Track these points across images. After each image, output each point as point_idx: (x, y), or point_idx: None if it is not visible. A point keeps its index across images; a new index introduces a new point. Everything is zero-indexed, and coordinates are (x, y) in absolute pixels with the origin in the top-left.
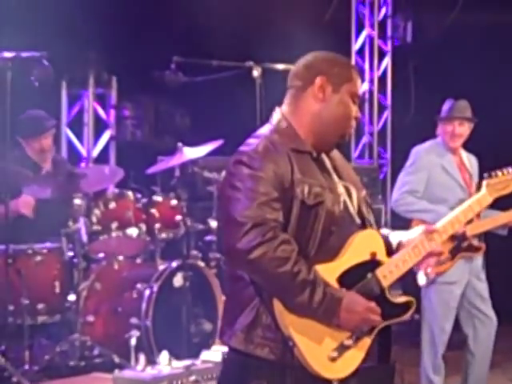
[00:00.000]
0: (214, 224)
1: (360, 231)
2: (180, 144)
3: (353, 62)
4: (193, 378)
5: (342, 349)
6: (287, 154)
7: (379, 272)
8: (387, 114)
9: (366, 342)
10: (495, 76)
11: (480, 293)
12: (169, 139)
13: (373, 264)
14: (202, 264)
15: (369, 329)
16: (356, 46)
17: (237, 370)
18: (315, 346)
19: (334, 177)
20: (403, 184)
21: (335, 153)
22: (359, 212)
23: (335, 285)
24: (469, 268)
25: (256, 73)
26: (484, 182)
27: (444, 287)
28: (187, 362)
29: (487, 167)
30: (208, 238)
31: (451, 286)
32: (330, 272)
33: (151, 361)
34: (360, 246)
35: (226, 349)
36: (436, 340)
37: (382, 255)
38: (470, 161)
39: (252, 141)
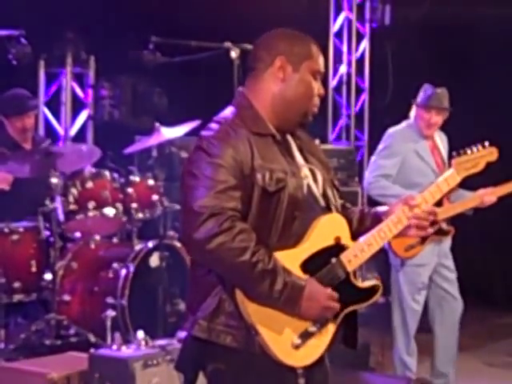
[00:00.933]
0: None
1: (323, 215)
2: (157, 124)
3: (331, 44)
4: (169, 357)
5: (306, 336)
6: (248, 138)
7: (344, 257)
8: (365, 96)
9: (331, 328)
10: (471, 61)
11: (447, 275)
12: (146, 119)
13: (337, 249)
14: (178, 244)
15: (333, 315)
16: (334, 29)
17: (195, 354)
18: (278, 333)
19: (298, 160)
20: (377, 167)
21: (302, 134)
22: (324, 195)
23: (299, 271)
24: (437, 251)
25: (234, 54)
26: (452, 161)
27: (412, 269)
28: (163, 342)
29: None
30: None
31: (419, 268)
32: (293, 259)
33: (127, 340)
34: (324, 231)
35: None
36: (407, 322)
37: (346, 239)
38: (442, 141)
39: (213, 125)
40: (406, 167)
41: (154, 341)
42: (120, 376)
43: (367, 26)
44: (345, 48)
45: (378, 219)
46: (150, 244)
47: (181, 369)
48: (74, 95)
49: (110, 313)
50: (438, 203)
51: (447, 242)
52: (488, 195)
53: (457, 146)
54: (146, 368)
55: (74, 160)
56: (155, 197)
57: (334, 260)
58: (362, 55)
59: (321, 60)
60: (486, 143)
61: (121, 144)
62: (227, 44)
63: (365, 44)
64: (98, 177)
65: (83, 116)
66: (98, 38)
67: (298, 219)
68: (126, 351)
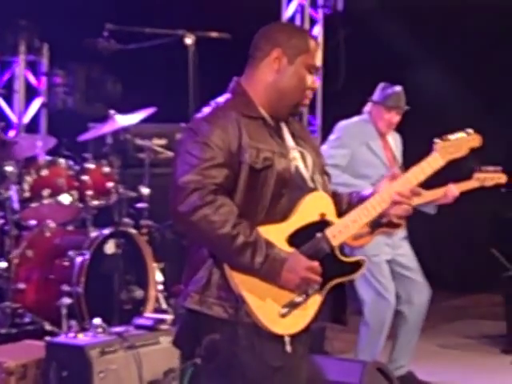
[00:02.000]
0: (145, 191)
1: (309, 193)
2: (112, 111)
3: None
4: (126, 344)
5: (292, 306)
6: (237, 120)
7: (329, 232)
8: (318, 81)
9: (317, 299)
10: (425, 46)
11: (406, 264)
12: (100, 106)
13: (322, 224)
14: (133, 231)
15: (319, 286)
16: (287, 14)
17: (190, 328)
18: (265, 303)
19: (289, 143)
20: (327, 157)
21: (296, 122)
22: (312, 179)
23: (285, 245)
24: (391, 243)
25: (189, 40)
26: (435, 146)
27: (371, 260)
28: (120, 329)
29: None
30: (139, 205)
31: (373, 257)
32: (279, 232)
33: (83, 328)
34: (309, 207)
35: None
36: (380, 310)
37: (331, 216)
38: (396, 140)
39: (205, 109)
40: (356, 159)
41: (111, 328)
42: (77, 364)
43: (320, 11)
44: None
45: (363, 200)
46: (106, 231)
47: (178, 344)
48: (28, 83)
49: (66, 300)
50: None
51: (400, 233)
52: (452, 188)
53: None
54: (103, 355)
55: (29, 148)
56: (110, 184)
57: (319, 234)
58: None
59: (316, 55)
60: (469, 130)
61: (75, 131)
62: (182, 31)
63: (318, 30)
64: (53, 164)
65: (37, 104)
66: (52, 26)
67: (285, 196)
68: (83, 339)
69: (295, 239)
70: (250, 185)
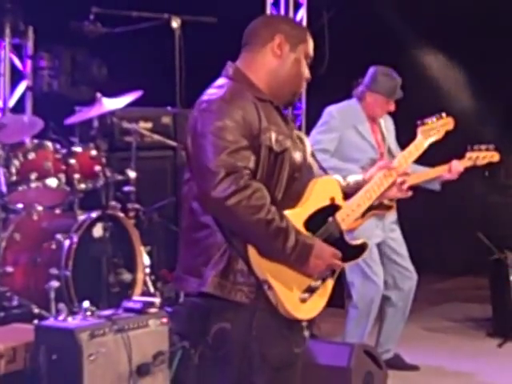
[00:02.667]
0: (132, 174)
1: (319, 177)
2: (99, 95)
3: (268, 13)
4: (115, 327)
5: (311, 290)
6: (253, 101)
7: (338, 216)
8: None
9: (330, 283)
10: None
11: (396, 249)
12: (86, 90)
13: (332, 208)
14: (121, 214)
15: (331, 271)
16: None
17: (198, 314)
18: (288, 288)
19: (292, 125)
20: (316, 142)
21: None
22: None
23: (303, 229)
24: (381, 225)
25: (175, 24)
26: (418, 129)
27: None
28: (109, 312)
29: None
30: (126, 188)
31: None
32: (296, 217)
33: (72, 311)
34: (320, 192)
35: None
36: (368, 293)
37: (339, 200)
38: (387, 122)
39: (214, 90)
40: (345, 143)
41: (100, 311)
42: (66, 347)
43: None
44: None
45: (356, 185)
46: (94, 214)
47: (182, 332)
48: (13, 66)
49: (54, 284)
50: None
51: (390, 216)
52: (455, 165)
53: None
54: (93, 338)
55: (16, 131)
56: (97, 167)
57: (330, 219)
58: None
59: (312, 45)
60: (443, 114)
61: (60, 115)
62: (168, 14)
63: (302, 13)
64: (41, 148)
65: (22, 87)
66: (37, 9)
67: (297, 180)
68: (72, 322)
69: (310, 224)
70: (269, 168)
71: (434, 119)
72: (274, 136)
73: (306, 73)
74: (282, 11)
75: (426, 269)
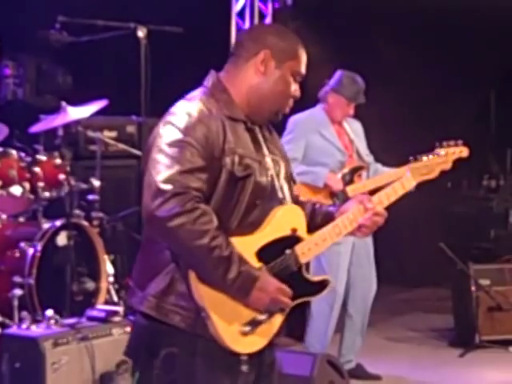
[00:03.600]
0: (96, 183)
1: (283, 206)
2: (64, 103)
3: (233, 24)
4: (79, 335)
5: (255, 324)
6: (221, 120)
7: (298, 249)
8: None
9: (279, 318)
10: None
11: (367, 253)
12: (50, 98)
13: (292, 240)
14: (85, 223)
15: (282, 309)
16: (237, 8)
17: (147, 336)
18: (228, 319)
19: (265, 150)
20: None
21: (265, 127)
22: (281, 187)
23: (254, 259)
24: None
25: (141, 33)
26: (409, 165)
27: (330, 249)
28: (72, 320)
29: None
30: (91, 197)
31: (337, 246)
32: (249, 245)
33: (35, 319)
34: (281, 221)
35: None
36: (331, 303)
37: (302, 232)
38: (352, 126)
39: (184, 103)
40: (312, 149)
41: (63, 320)
42: (30, 355)
43: (269, 5)
44: (247, 26)
45: (329, 217)
46: (58, 223)
47: (132, 356)
48: None
49: (18, 292)
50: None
51: None
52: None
53: None
54: (56, 347)
55: None
56: (62, 176)
57: (288, 251)
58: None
59: (304, 63)
60: (442, 152)
61: (25, 123)
62: (134, 24)
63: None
64: (5, 156)
65: None
66: (2, 17)
67: (258, 207)
68: (36, 330)
69: (264, 253)
70: (228, 192)
71: (430, 156)
72: (237, 159)
73: (294, 90)
74: (248, 21)
75: (388, 279)
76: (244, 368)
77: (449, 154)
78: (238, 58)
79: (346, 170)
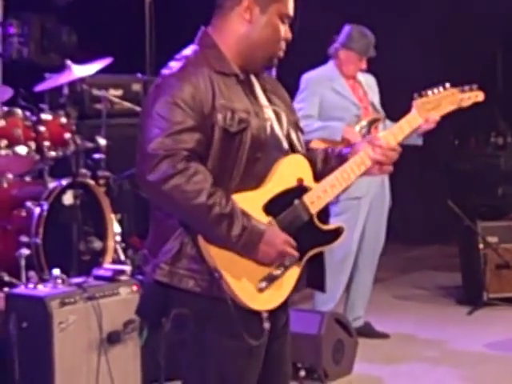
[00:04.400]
0: (102, 142)
1: (285, 157)
2: (68, 62)
3: None
4: (86, 295)
5: (271, 279)
6: (209, 76)
7: (307, 198)
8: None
9: (295, 271)
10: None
11: (382, 210)
12: (55, 57)
13: (300, 190)
14: (91, 182)
15: (293, 261)
16: None
17: (158, 301)
18: (243, 277)
19: (262, 101)
20: (297, 110)
21: (266, 75)
22: (288, 136)
23: (261, 214)
24: (374, 182)
25: None
26: (414, 102)
27: (350, 202)
28: (79, 280)
29: None
30: (97, 156)
31: (357, 201)
32: (255, 200)
33: (42, 279)
34: (286, 172)
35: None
36: (344, 259)
37: (309, 181)
38: (367, 80)
39: (173, 64)
40: (326, 105)
41: (70, 279)
42: (37, 314)
43: None
44: None
45: (342, 159)
46: (64, 182)
47: (142, 315)
48: None
49: (24, 251)
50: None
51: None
52: (431, 114)
53: None
54: (63, 306)
55: None
56: (67, 135)
57: (296, 201)
58: None
59: (290, 3)
60: (447, 84)
61: (30, 82)
62: None
63: None
64: (10, 115)
65: None
66: None
67: (260, 161)
68: (43, 290)
69: (272, 207)
70: (224, 149)
71: (435, 90)
72: (229, 114)
73: (284, 33)
74: None
75: (395, 237)
76: (266, 325)
77: (464, 99)
78: (222, 8)
79: (363, 123)
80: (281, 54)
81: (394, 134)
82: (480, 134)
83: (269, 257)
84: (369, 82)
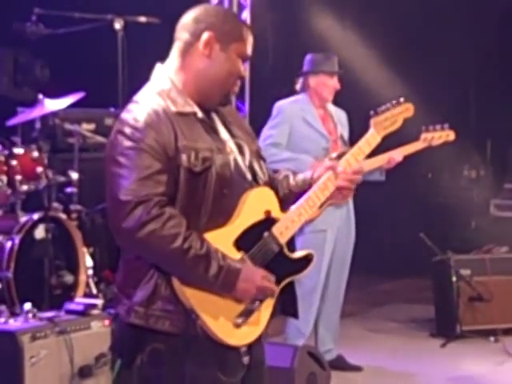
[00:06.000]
0: (74, 176)
1: (251, 190)
2: (41, 96)
3: None
4: (57, 329)
5: (247, 313)
6: (170, 119)
7: (275, 230)
8: (245, 66)
9: (270, 302)
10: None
11: (348, 243)
12: (28, 91)
13: (268, 222)
14: (63, 216)
15: (270, 295)
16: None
17: (132, 336)
18: (219, 314)
19: (223, 135)
20: (266, 137)
21: (227, 108)
22: (251, 167)
23: (232, 250)
24: (339, 215)
25: (118, 25)
26: (371, 121)
27: (316, 235)
28: (51, 314)
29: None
30: (69, 189)
31: (324, 233)
32: (225, 237)
33: (14, 313)
34: (253, 206)
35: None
36: (312, 292)
37: (276, 212)
38: (338, 114)
39: (133, 107)
40: (295, 135)
41: (41, 313)
42: (8, 349)
43: None
44: None
45: (305, 184)
46: (35, 216)
47: (116, 352)
48: None
49: None
50: None
51: (348, 204)
52: (394, 154)
53: None
54: (35, 341)
55: None
56: (40, 169)
57: (266, 234)
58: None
59: (250, 44)
60: (401, 99)
61: (2, 116)
62: (111, 15)
63: (246, 14)
64: None
65: None
66: None
67: (227, 196)
68: (14, 324)
69: (242, 242)
70: (191, 189)
71: (389, 106)
72: (193, 155)
73: (240, 71)
74: None
75: (368, 270)
76: (245, 360)
77: (435, 138)
78: (181, 43)
79: (333, 155)
80: (236, 90)
81: (354, 155)
82: (453, 167)
83: (248, 293)
84: (339, 115)
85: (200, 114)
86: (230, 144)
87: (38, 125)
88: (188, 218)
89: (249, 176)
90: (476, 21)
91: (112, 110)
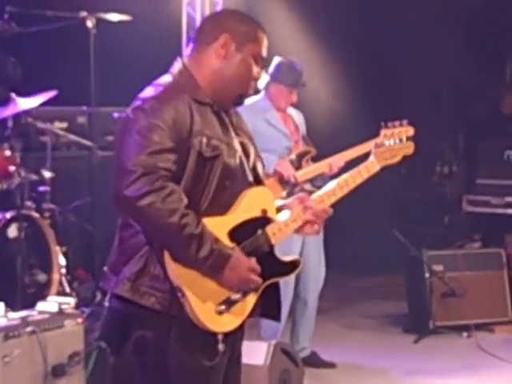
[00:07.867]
0: (47, 174)
1: (253, 187)
2: (13, 94)
3: (184, 12)
4: (29, 328)
5: (229, 303)
6: (189, 103)
7: (269, 229)
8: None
9: (252, 298)
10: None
11: (317, 240)
12: (0, 90)
13: (263, 221)
14: (36, 215)
15: (254, 288)
16: None
17: (120, 319)
18: (204, 298)
19: (232, 133)
20: None
21: (231, 111)
22: (253, 169)
23: (226, 239)
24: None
25: (90, 23)
26: (372, 149)
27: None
28: (23, 313)
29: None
30: (41, 188)
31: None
32: (221, 226)
33: None
34: (252, 202)
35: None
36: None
37: (272, 213)
38: (298, 116)
39: (151, 89)
40: (258, 135)
41: (14, 312)
42: None
43: None
44: (198, 15)
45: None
46: (8, 215)
47: (105, 339)
48: None
49: None
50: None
51: None
52: (335, 160)
53: None
54: (7, 340)
55: None
56: (12, 167)
57: (259, 231)
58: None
59: (265, 45)
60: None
61: None
62: (83, 13)
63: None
64: None
65: None
66: None
67: (228, 189)
68: None
69: (236, 234)
70: (197, 173)
71: (392, 141)
72: (205, 140)
73: (256, 73)
74: (199, 10)
75: (341, 267)
76: (220, 347)
77: (394, 134)
78: (200, 42)
79: (293, 156)
80: (251, 92)
81: (352, 177)
82: (426, 163)
83: (233, 281)
84: (298, 117)
85: (215, 108)
86: (236, 142)
87: (10, 123)
88: (189, 201)
89: (250, 177)
90: (449, 15)
91: (84, 108)
